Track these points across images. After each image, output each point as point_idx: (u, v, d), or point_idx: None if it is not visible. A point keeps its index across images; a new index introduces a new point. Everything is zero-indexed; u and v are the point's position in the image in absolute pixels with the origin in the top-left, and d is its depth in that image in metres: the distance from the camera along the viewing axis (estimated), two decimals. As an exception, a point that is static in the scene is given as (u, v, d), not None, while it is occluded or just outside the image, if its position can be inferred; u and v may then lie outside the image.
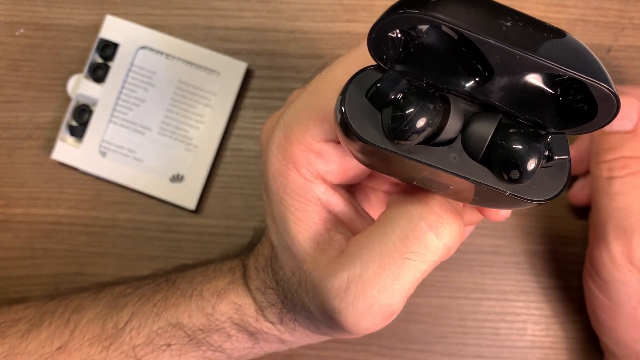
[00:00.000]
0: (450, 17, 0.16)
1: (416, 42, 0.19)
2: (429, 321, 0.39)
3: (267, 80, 0.41)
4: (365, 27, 0.41)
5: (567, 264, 0.40)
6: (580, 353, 0.39)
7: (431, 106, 0.18)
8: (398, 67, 0.19)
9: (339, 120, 0.19)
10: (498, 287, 0.40)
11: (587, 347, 0.39)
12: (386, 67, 0.19)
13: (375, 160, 0.20)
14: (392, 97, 0.18)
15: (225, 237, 0.40)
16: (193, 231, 0.40)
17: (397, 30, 0.18)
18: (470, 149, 0.19)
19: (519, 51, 0.17)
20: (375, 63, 0.19)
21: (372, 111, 0.19)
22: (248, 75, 0.41)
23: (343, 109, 0.19)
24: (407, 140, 0.18)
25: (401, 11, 0.17)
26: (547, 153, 0.19)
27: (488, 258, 0.40)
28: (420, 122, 0.18)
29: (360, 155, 0.20)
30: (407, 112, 0.18)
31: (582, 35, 0.41)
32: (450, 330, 0.39)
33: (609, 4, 0.41)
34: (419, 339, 0.39)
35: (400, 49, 0.19)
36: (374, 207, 0.30)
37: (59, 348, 0.31)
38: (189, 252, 0.40)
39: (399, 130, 0.18)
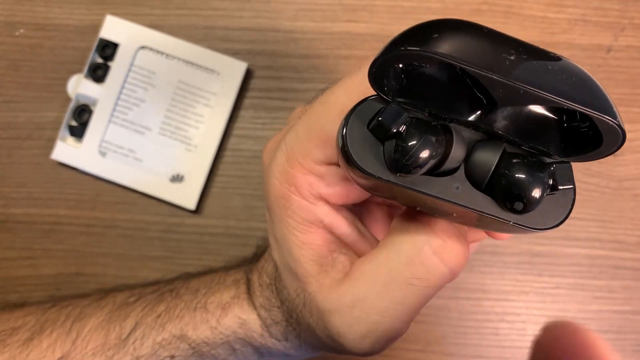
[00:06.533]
0: (453, 53, 0.16)
1: (418, 74, 0.18)
2: (429, 321, 0.39)
3: (267, 80, 0.41)
4: (366, 27, 0.41)
5: (567, 264, 0.40)
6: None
7: (434, 139, 0.18)
8: (399, 99, 0.18)
9: (340, 150, 0.19)
10: (498, 287, 0.39)
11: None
12: (388, 98, 0.18)
13: (377, 188, 0.20)
14: (394, 130, 0.18)
15: (225, 237, 0.40)
16: (193, 231, 0.40)
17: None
18: (473, 179, 0.19)
19: (524, 87, 0.16)
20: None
21: (374, 142, 0.18)
22: (248, 75, 0.41)
23: (344, 140, 0.18)
24: (409, 173, 0.18)
25: (402, 48, 0.16)
26: (551, 182, 0.19)
27: (488, 258, 0.40)
28: (423, 156, 0.17)
29: (361, 182, 0.20)
30: (409, 145, 0.17)
31: (582, 35, 0.41)
32: (450, 330, 0.39)
33: (609, 4, 0.41)
34: (419, 339, 0.39)
35: (402, 80, 0.18)
36: (377, 222, 0.30)
37: (60, 358, 0.31)
38: (189, 252, 0.40)
39: (401, 164, 0.18)
